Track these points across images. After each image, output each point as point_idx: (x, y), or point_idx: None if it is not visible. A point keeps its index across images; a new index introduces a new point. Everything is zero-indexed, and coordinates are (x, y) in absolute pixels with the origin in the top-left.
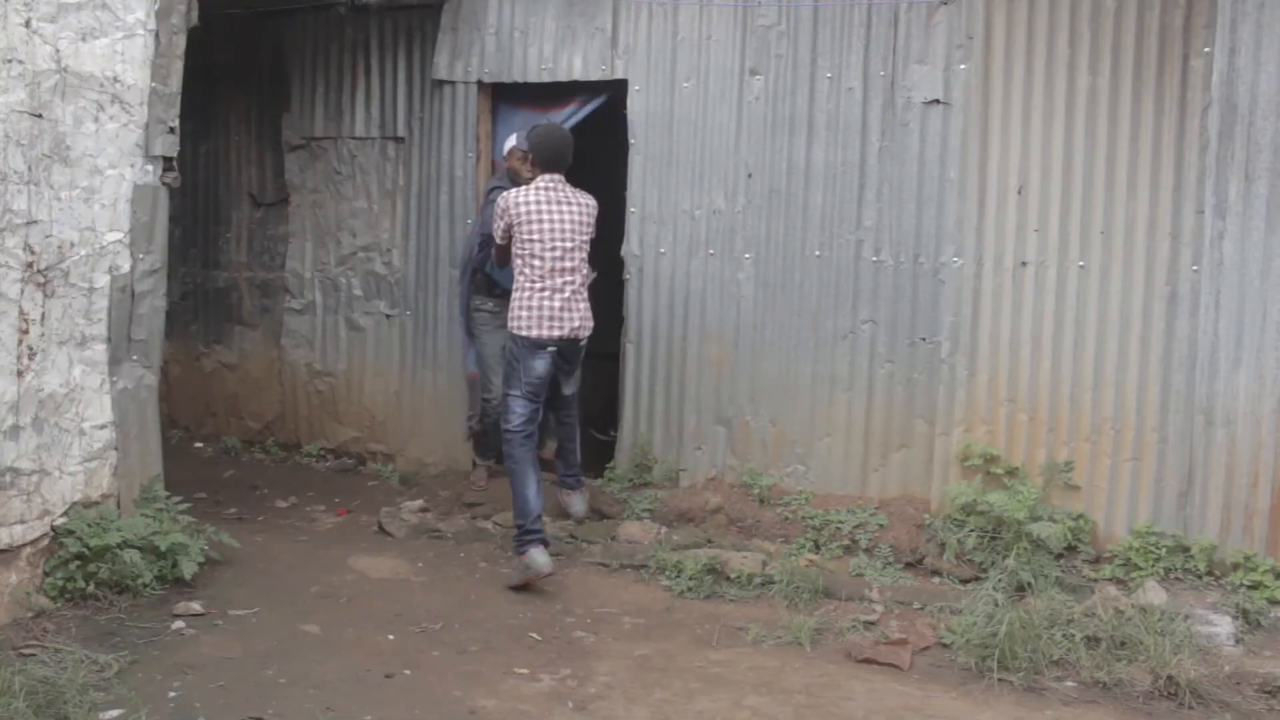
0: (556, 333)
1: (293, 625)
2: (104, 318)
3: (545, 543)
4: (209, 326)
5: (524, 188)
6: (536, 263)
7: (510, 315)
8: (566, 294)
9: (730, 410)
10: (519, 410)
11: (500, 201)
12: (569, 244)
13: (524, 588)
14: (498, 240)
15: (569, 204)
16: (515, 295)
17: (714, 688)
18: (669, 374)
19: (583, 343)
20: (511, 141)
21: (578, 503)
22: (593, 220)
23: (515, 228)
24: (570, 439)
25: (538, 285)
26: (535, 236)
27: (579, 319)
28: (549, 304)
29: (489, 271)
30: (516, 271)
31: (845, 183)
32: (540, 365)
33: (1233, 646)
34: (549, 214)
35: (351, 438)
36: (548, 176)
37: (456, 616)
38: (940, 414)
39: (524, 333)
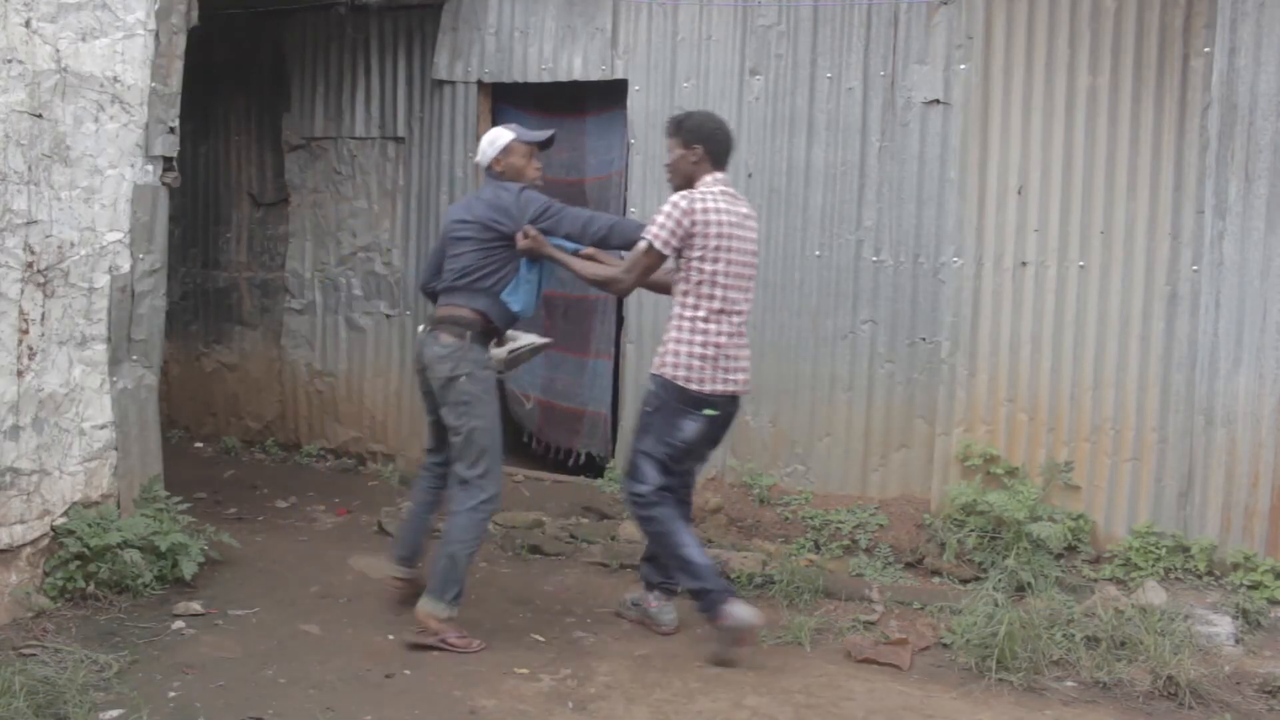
0: (728, 387)
1: (293, 625)
2: (104, 318)
3: (735, 593)
4: (209, 326)
5: (705, 191)
6: (714, 293)
7: (665, 356)
8: (739, 339)
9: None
10: (652, 475)
11: (682, 202)
12: (748, 273)
13: (735, 649)
14: (664, 252)
15: (748, 218)
16: (677, 333)
17: (714, 688)
18: None
19: (739, 403)
20: (508, 136)
21: (668, 611)
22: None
23: (696, 244)
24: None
25: (711, 324)
26: (720, 261)
27: (747, 371)
28: (722, 351)
29: (505, 298)
30: (680, 304)
31: (845, 183)
32: (692, 428)
33: (1233, 646)
34: (737, 231)
35: (351, 438)
36: (721, 177)
37: (457, 616)
38: (940, 414)
39: (686, 384)
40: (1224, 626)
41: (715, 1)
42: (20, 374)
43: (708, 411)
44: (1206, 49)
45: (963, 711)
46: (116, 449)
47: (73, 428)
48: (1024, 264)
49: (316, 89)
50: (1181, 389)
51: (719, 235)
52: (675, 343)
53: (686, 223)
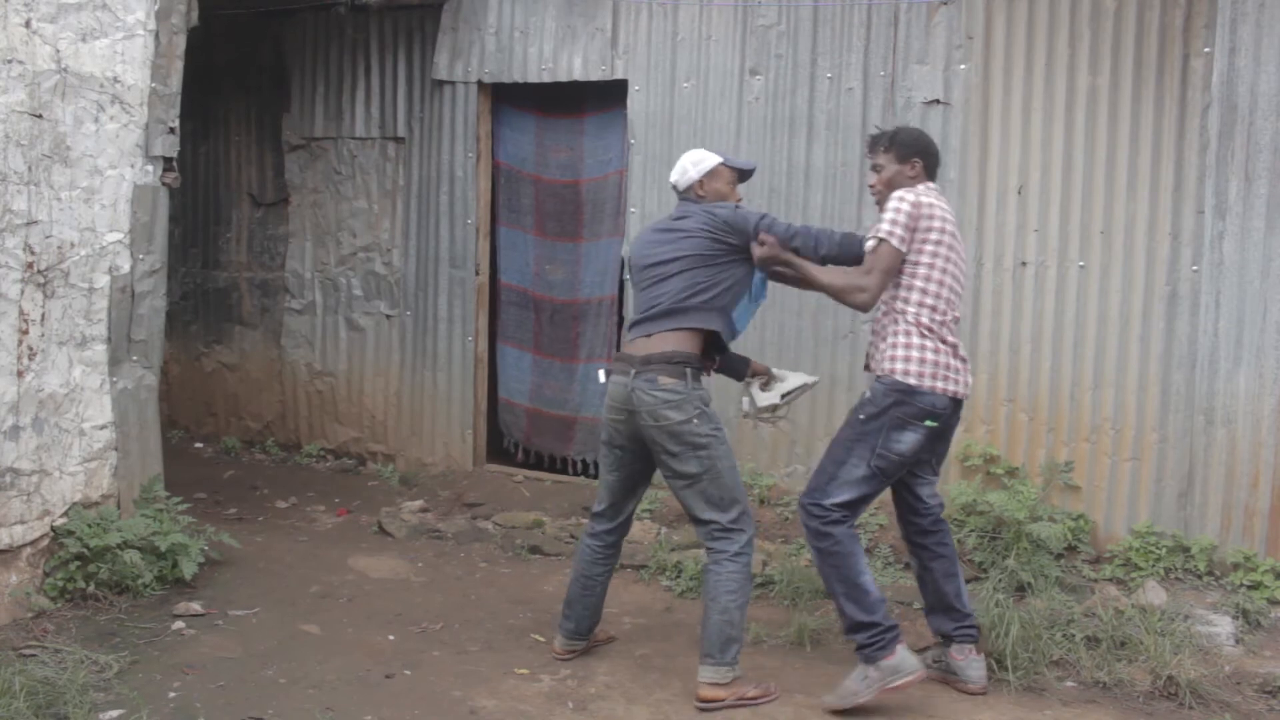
0: (955, 388)
1: (293, 625)
2: (104, 318)
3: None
4: (209, 326)
5: (929, 189)
6: (940, 291)
7: (891, 356)
8: (957, 341)
9: (730, 410)
10: (849, 487)
11: (909, 196)
12: (963, 278)
13: (880, 695)
14: (901, 248)
15: (957, 225)
16: (904, 336)
17: None
18: None
19: (959, 412)
20: (715, 159)
21: (976, 666)
22: None
23: (918, 238)
24: (951, 573)
25: (932, 326)
26: (939, 257)
27: (970, 374)
28: (947, 350)
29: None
30: (902, 301)
31: (845, 183)
32: (911, 440)
33: (1233, 646)
34: (955, 230)
35: (351, 438)
36: (933, 186)
37: (456, 616)
38: None
39: (914, 381)
40: (1224, 626)
41: (715, 1)
42: (20, 374)
43: (929, 423)
44: (1206, 49)
45: (963, 711)
46: (116, 449)
47: (73, 428)
48: (1024, 264)
49: (316, 89)
50: (1181, 389)
51: (942, 231)
52: (893, 335)
53: (916, 215)
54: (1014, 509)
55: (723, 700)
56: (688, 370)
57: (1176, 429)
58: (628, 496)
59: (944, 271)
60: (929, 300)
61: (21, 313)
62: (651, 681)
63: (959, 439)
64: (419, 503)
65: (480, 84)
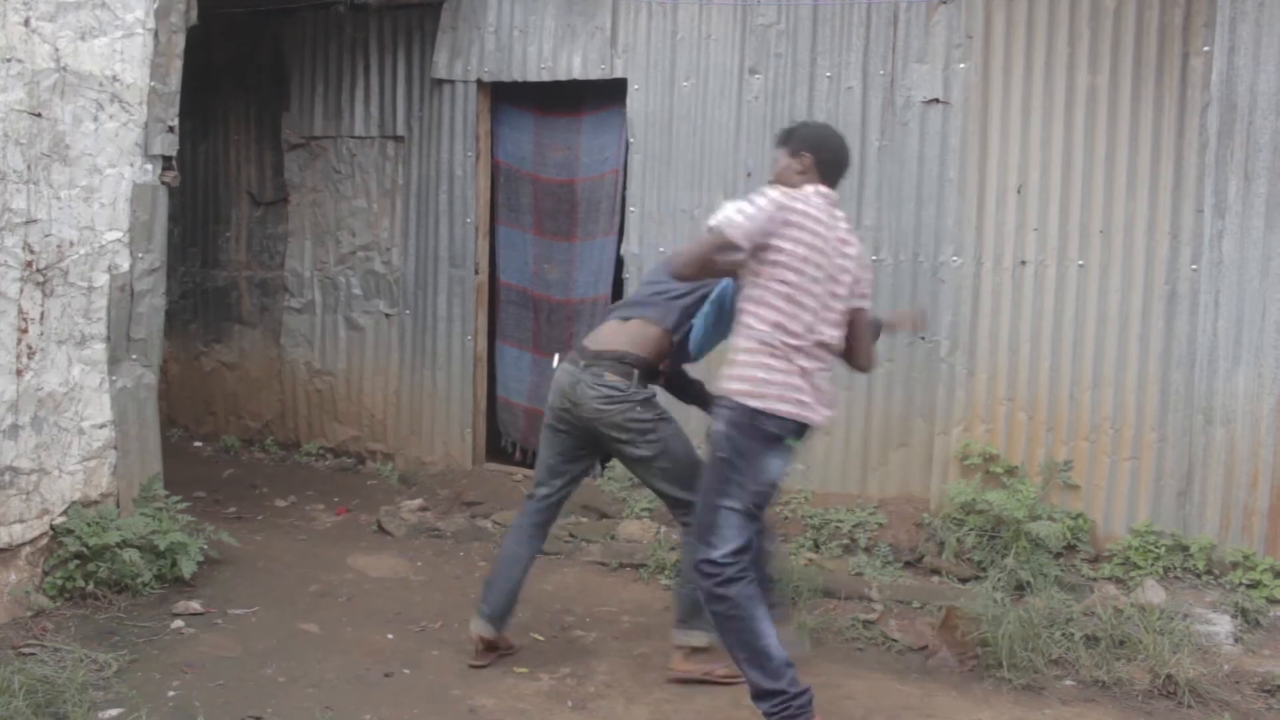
0: (808, 415)
1: (292, 624)
2: (103, 317)
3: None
4: (208, 326)
5: (805, 192)
6: (797, 314)
7: (736, 381)
8: (821, 363)
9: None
10: (732, 531)
11: (776, 195)
12: (840, 294)
13: None
14: (738, 242)
15: (851, 241)
16: (746, 354)
17: (713, 687)
18: None
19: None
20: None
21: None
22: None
23: (778, 246)
24: (771, 566)
25: (788, 343)
26: (813, 282)
27: (830, 407)
28: (795, 372)
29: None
30: (751, 316)
31: (844, 182)
32: (778, 465)
33: (1232, 645)
34: (831, 245)
35: (351, 437)
36: (825, 190)
37: (456, 615)
38: (939, 413)
39: (757, 403)
40: (1223, 625)
41: (714, 0)
42: (20, 373)
43: (790, 442)
44: (1206, 48)
45: (963, 710)
46: (116, 448)
47: (72, 427)
48: (1023, 263)
49: (316, 88)
50: (1181, 388)
51: (811, 247)
52: (736, 353)
53: (777, 219)
54: (1013, 508)
55: (690, 673)
56: (635, 372)
57: (1176, 428)
58: (560, 477)
59: (804, 291)
60: (782, 319)
61: (21, 311)
62: (650, 680)
63: (959, 437)
64: (418, 501)
65: (479, 83)
